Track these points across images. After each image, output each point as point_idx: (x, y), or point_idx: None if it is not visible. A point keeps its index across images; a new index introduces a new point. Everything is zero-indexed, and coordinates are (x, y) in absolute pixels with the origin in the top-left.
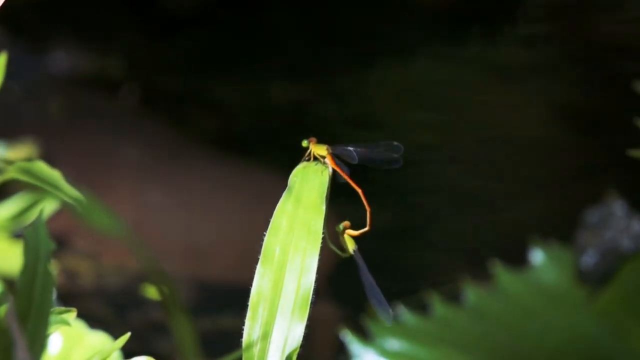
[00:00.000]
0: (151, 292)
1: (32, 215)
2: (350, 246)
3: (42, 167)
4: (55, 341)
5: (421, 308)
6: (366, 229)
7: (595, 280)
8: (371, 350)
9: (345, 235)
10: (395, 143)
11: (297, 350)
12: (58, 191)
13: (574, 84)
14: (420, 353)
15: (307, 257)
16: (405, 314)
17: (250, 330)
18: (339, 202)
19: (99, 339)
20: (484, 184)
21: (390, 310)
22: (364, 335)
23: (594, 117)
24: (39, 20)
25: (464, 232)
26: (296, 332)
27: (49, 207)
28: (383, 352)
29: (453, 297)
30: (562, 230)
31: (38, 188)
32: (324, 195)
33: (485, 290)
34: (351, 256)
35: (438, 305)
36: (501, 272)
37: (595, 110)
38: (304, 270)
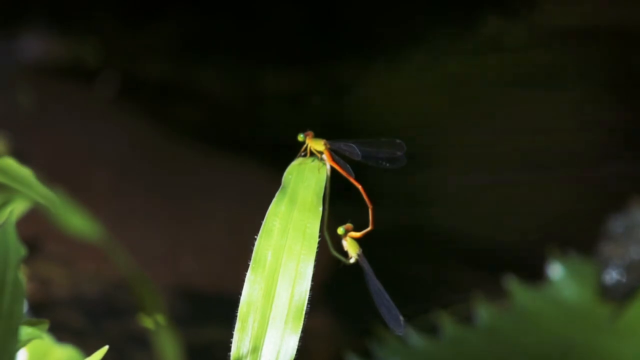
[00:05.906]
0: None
1: (1, 218)
2: (354, 250)
3: (12, 164)
4: (19, 356)
5: (431, 329)
6: (369, 228)
7: (619, 295)
8: None
9: (348, 238)
10: (398, 141)
11: None
12: (29, 190)
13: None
14: None
15: (302, 263)
16: (413, 335)
17: (239, 342)
18: (339, 202)
19: (67, 354)
20: (498, 185)
21: (402, 318)
22: (369, 358)
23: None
24: (6, 1)
25: (477, 238)
26: (289, 345)
27: (19, 208)
28: None
29: (465, 317)
30: (583, 241)
31: (7, 187)
32: (322, 194)
33: (500, 309)
34: (356, 261)
35: (448, 326)
36: (517, 288)
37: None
38: (299, 277)
